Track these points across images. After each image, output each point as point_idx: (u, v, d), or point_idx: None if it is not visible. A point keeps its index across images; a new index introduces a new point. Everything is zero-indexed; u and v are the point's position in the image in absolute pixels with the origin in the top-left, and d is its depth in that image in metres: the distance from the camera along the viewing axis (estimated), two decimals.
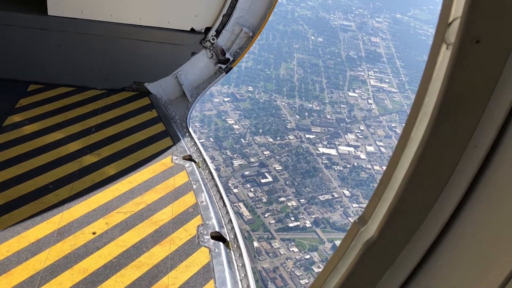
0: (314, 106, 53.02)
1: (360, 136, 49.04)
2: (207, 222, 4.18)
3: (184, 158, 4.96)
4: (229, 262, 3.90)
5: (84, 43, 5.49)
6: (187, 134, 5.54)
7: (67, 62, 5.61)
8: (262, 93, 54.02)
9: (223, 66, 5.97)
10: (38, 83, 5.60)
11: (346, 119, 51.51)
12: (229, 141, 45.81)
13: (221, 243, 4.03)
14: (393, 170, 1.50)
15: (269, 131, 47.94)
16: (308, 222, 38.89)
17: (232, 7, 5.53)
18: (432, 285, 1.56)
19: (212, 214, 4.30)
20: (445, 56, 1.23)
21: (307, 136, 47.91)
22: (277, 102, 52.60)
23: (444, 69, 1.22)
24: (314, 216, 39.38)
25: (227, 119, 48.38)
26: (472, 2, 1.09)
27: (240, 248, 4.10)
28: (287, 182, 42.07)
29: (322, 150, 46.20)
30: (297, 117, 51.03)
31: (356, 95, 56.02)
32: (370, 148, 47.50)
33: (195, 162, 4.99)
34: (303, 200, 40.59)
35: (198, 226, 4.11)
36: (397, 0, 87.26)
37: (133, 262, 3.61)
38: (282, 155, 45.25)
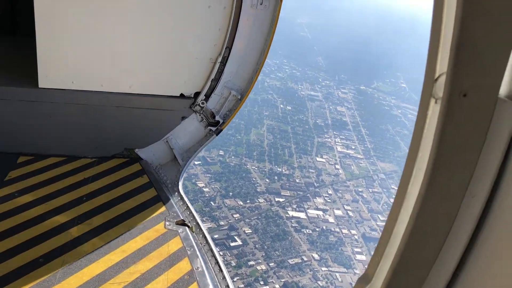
0: (283, 170, 54.18)
1: (328, 200, 49.98)
2: None
3: (177, 223, 4.88)
4: None
5: (74, 113, 5.45)
6: (179, 198, 5.48)
7: (57, 132, 5.55)
8: (232, 157, 54.91)
9: (213, 129, 6.04)
10: (28, 155, 5.50)
11: (315, 183, 52.67)
12: (199, 204, 45.57)
13: None
14: (392, 226, 1.49)
15: (239, 194, 48.18)
16: (277, 286, 38.28)
17: (220, 72, 5.67)
18: None
19: (209, 281, 4.19)
20: (434, 110, 1.25)
21: (276, 199, 48.42)
22: (248, 166, 53.52)
23: (434, 123, 1.24)
24: (283, 280, 38.84)
25: (197, 182, 48.54)
26: (456, 58, 1.12)
27: None
28: (257, 246, 41.77)
29: (291, 213, 46.61)
30: (267, 180, 51.82)
31: (323, 160, 57.84)
32: (338, 212, 48.35)
33: (188, 226, 4.91)
34: (272, 263, 40.17)
35: None
36: (361, 73, 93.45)
37: None
38: (252, 218, 45.26)
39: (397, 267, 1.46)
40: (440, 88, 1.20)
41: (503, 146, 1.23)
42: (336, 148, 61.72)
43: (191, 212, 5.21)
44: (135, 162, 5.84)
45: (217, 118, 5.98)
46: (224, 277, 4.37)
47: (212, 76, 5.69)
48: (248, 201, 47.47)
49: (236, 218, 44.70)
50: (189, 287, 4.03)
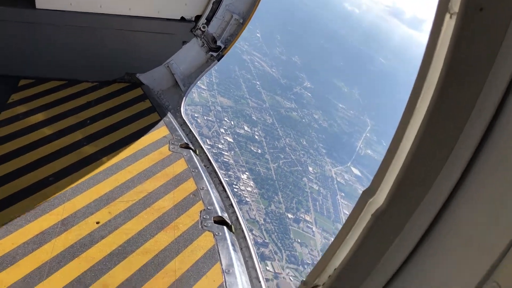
0: None
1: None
2: (209, 207, 4.21)
3: (181, 146, 4.95)
4: (233, 244, 3.95)
5: (74, 36, 5.34)
6: (182, 122, 5.52)
7: (57, 56, 5.43)
8: None
9: (215, 54, 5.89)
10: (29, 78, 5.44)
11: None
12: None
13: (224, 227, 4.07)
14: (399, 140, 1.50)
15: None
16: None
17: None
18: (441, 250, 1.54)
19: (213, 199, 4.33)
20: (448, 25, 1.22)
21: None
22: None
23: (448, 39, 1.21)
24: None
25: None
26: None
27: (243, 230, 4.17)
28: None
29: None
30: None
31: None
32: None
33: (192, 150, 4.99)
34: None
35: (201, 211, 4.14)
36: None
37: (139, 249, 3.61)
38: None
39: (402, 180, 1.49)
40: (456, 3, 1.17)
41: None
42: None
43: (194, 135, 5.30)
44: (136, 87, 5.81)
45: (218, 43, 5.84)
46: (227, 196, 4.55)
47: None
48: None
49: None
50: (195, 205, 4.21)
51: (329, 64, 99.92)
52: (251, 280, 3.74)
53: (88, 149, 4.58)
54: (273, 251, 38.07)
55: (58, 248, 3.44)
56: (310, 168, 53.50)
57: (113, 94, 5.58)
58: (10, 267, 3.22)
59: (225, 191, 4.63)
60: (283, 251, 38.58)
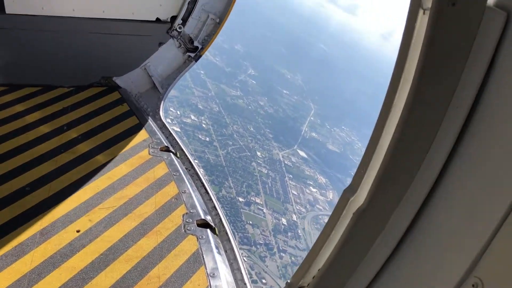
0: None
1: None
2: (191, 210, 4.16)
3: (161, 150, 4.89)
4: (217, 247, 3.90)
5: (47, 41, 5.18)
6: (162, 125, 5.44)
7: (30, 61, 5.27)
8: None
9: (192, 55, 5.82)
10: (2, 85, 5.25)
11: None
12: None
13: (208, 230, 4.02)
14: (378, 137, 1.50)
15: None
16: None
17: None
18: (423, 246, 1.56)
19: (196, 202, 4.28)
20: (422, 21, 1.23)
21: None
22: None
23: (422, 35, 1.21)
24: None
25: None
26: None
27: (226, 233, 4.13)
28: None
29: None
30: None
31: None
32: None
33: (173, 153, 4.93)
34: None
35: (183, 215, 4.09)
36: None
37: (122, 256, 3.55)
38: None
39: (381, 177, 1.48)
40: None
41: (488, 56, 1.22)
42: None
43: (174, 138, 5.24)
44: (113, 91, 5.70)
45: (195, 43, 5.77)
46: (210, 199, 4.52)
47: None
48: None
49: None
50: (177, 209, 4.16)
51: (271, 52, 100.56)
52: (236, 283, 3.71)
53: (66, 156, 4.46)
54: None
55: (37, 259, 3.35)
56: (258, 153, 54.19)
57: (89, 99, 5.44)
58: None
59: (208, 193, 4.58)
60: (235, 233, 38.94)
